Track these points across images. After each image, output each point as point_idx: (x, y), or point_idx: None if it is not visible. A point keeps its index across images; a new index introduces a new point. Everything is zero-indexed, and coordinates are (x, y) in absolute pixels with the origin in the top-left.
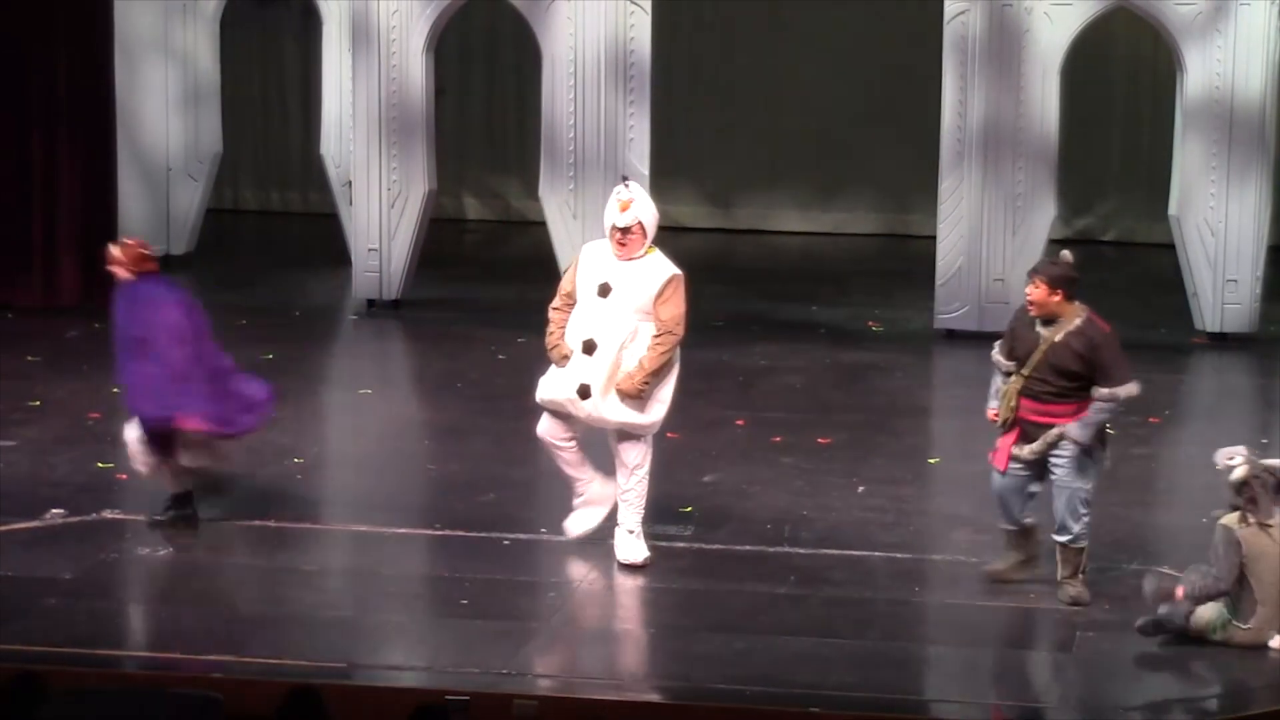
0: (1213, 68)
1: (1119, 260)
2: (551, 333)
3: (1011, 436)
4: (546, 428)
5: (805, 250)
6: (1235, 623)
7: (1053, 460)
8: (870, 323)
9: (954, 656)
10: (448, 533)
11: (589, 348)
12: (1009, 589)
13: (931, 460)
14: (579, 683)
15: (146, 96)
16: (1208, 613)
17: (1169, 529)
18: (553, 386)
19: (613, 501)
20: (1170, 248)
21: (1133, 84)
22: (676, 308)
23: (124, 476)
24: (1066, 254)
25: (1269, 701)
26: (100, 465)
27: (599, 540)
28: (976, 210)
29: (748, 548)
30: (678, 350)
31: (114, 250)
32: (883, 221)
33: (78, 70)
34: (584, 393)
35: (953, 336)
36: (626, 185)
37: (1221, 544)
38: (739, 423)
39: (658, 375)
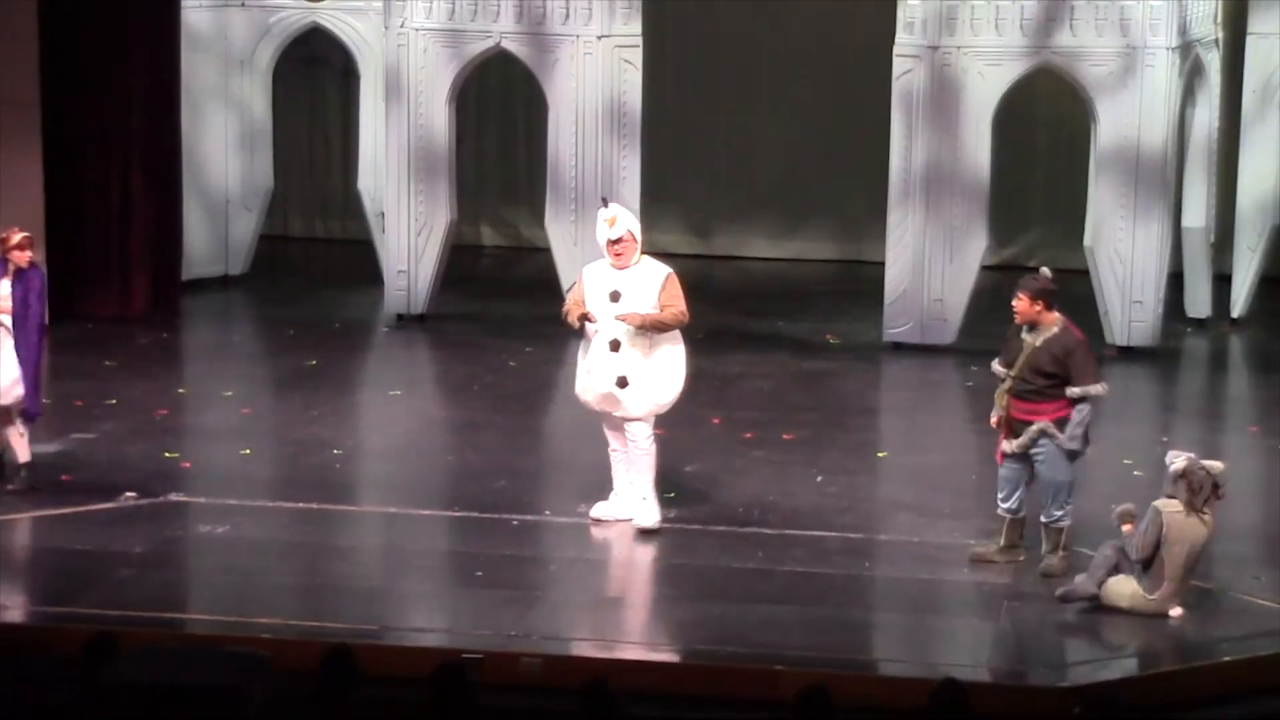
0: (1121, 120)
1: None
2: (567, 306)
3: (1006, 433)
4: (606, 433)
5: (773, 273)
6: (1144, 594)
7: (1034, 455)
8: (828, 336)
9: (898, 623)
10: (464, 514)
11: (615, 346)
12: (948, 565)
13: (880, 454)
14: (577, 643)
15: (209, 139)
16: (1120, 585)
17: (1082, 515)
18: (591, 383)
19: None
20: (1085, 273)
21: (1053, 133)
22: (678, 296)
23: (188, 465)
24: (1045, 270)
25: (1171, 662)
26: (167, 455)
27: (596, 523)
28: (919, 240)
29: (722, 528)
30: (683, 353)
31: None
32: (839, 249)
33: (150, 117)
34: (622, 383)
35: (899, 348)
36: (606, 204)
37: (1148, 522)
38: (715, 421)
39: (658, 329)
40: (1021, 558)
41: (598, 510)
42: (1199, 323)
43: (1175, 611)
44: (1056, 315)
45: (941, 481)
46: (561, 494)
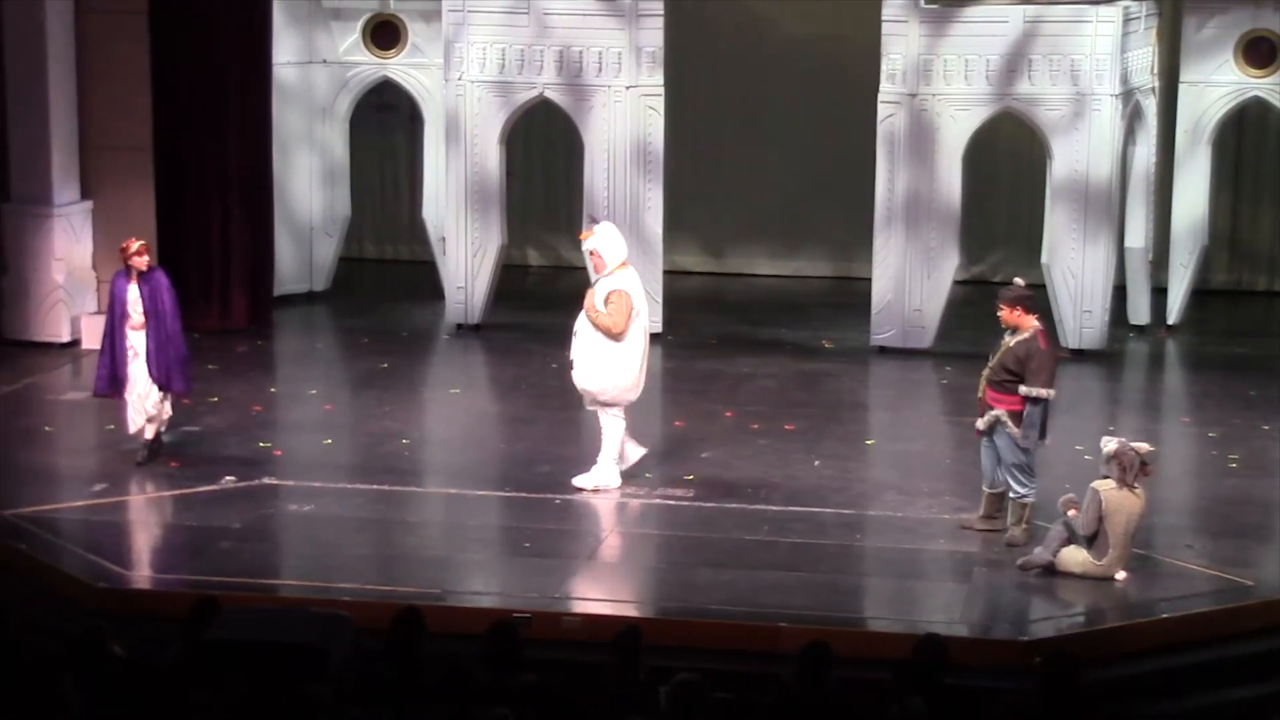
0: (1073, 156)
1: None
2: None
3: (980, 413)
4: None
5: (776, 288)
6: (1092, 561)
7: (995, 439)
8: (824, 341)
9: (885, 586)
10: (514, 494)
11: (574, 334)
12: (927, 536)
13: (868, 442)
14: (611, 604)
15: (296, 175)
16: (1071, 554)
17: (1042, 495)
18: None
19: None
20: (1042, 287)
21: (1015, 167)
22: (615, 310)
23: (279, 453)
24: (1018, 281)
25: (1116, 619)
26: (261, 445)
27: (625, 500)
28: (901, 259)
29: (733, 505)
30: (635, 355)
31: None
32: (833, 267)
33: (246, 158)
34: (570, 365)
35: (884, 352)
36: (595, 222)
37: (1089, 502)
38: (728, 414)
39: (599, 328)
40: (1000, 527)
41: (578, 480)
42: (1139, 329)
43: (1120, 575)
44: (1034, 321)
45: (921, 465)
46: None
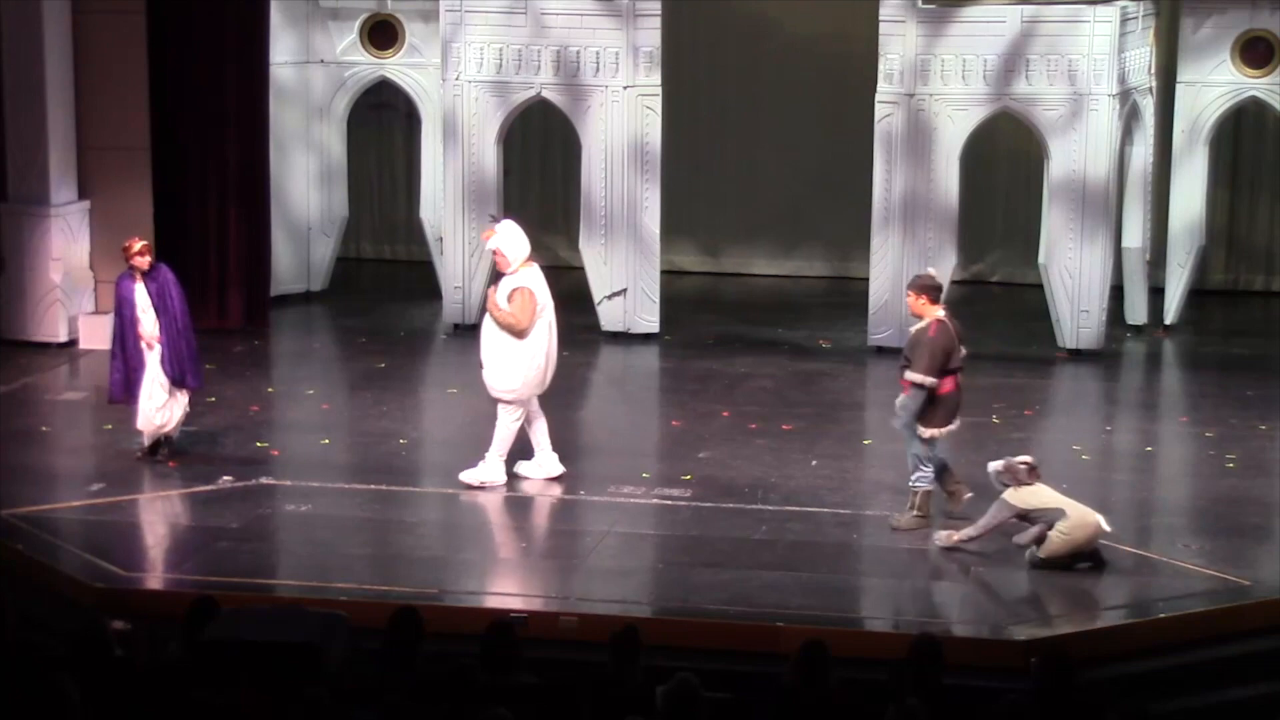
0: (1070, 156)
1: (1002, 296)
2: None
3: None
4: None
5: (773, 288)
6: (1060, 531)
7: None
8: (821, 341)
9: (882, 585)
10: (511, 494)
11: (479, 333)
12: (924, 536)
13: (865, 441)
14: (608, 604)
15: (293, 176)
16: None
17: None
18: None
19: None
20: (1039, 287)
21: (1012, 167)
22: (519, 305)
23: (276, 453)
24: (930, 270)
25: (1113, 619)
26: (258, 444)
27: (622, 500)
28: (898, 259)
29: (731, 505)
30: (539, 351)
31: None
32: (830, 267)
33: (243, 158)
34: (479, 364)
35: (881, 351)
36: (491, 220)
37: (999, 510)
38: (725, 414)
39: (503, 326)
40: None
41: (520, 467)
42: (1137, 329)
43: (1099, 520)
44: (936, 312)
45: None
46: (594, 477)
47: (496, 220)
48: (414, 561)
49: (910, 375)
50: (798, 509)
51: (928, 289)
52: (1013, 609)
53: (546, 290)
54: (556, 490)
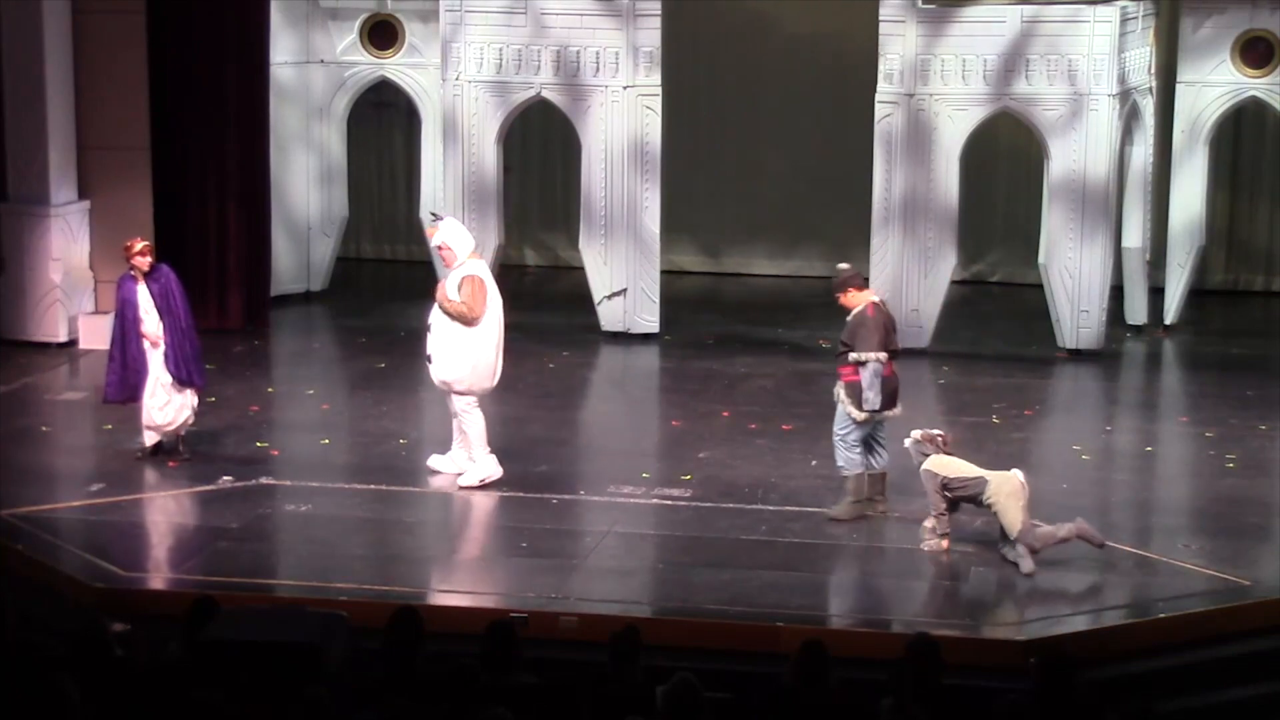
0: (1070, 156)
1: (1002, 296)
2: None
3: None
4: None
5: (773, 288)
6: (994, 503)
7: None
8: (821, 341)
9: (881, 585)
10: (511, 494)
11: (428, 328)
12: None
13: None
14: (608, 604)
15: (293, 175)
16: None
17: (1039, 494)
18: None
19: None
20: (1039, 287)
21: (1012, 167)
22: (470, 295)
23: (276, 453)
24: (842, 265)
25: (1113, 618)
26: (258, 444)
27: (622, 500)
28: (898, 258)
29: (731, 505)
30: (490, 342)
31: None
32: (830, 267)
33: (243, 158)
34: (429, 358)
35: None
36: (437, 219)
37: (929, 481)
38: (725, 414)
39: (451, 316)
40: (882, 508)
41: (433, 461)
42: (1137, 329)
43: (1015, 472)
44: (868, 296)
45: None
46: (594, 477)
47: (439, 218)
48: (414, 561)
49: (855, 356)
50: (798, 509)
51: (850, 280)
52: (1012, 609)
53: (494, 282)
54: (551, 491)
